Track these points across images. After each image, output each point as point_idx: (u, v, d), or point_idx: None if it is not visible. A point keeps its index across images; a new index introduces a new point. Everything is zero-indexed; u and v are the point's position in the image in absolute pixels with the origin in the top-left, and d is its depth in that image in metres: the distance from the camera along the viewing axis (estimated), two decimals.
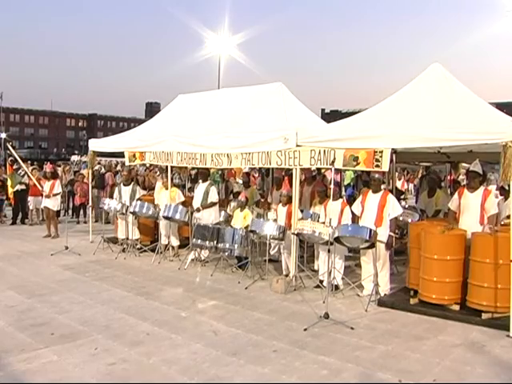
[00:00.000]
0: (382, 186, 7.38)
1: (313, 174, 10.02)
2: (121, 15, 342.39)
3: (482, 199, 6.19)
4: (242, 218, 8.24)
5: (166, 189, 9.32)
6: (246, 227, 7.91)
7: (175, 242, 9.26)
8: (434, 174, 10.23)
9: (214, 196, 8.86)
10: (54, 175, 11.80)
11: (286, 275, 7.40)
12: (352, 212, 6.95)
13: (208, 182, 9.09)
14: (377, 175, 6.75)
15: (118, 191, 10.04)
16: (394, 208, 6.60)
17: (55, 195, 11.32)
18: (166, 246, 9.19)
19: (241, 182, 14.40)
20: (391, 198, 6.72)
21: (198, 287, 7.23)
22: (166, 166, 9.35)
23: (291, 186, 7.49)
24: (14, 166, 14.07)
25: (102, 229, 10.38)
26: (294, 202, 7.18)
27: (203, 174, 9.23)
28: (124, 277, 7.76)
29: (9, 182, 12.96)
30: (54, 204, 11.33)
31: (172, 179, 10.52)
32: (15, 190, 13.13)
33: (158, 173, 12.74)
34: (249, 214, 8.33)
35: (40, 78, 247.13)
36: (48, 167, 12.74)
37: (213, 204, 8.83)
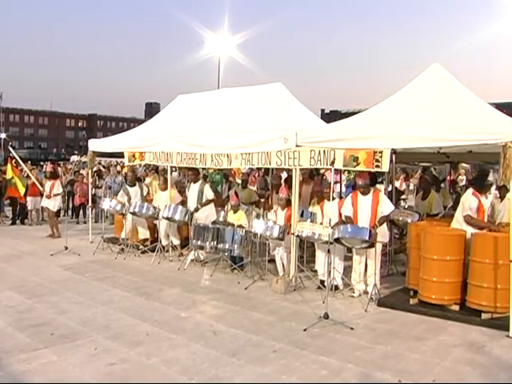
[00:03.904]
0: (378, 186, 7.34)
1: (310, 173, 9.98)
2: (121, 15, 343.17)
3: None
4: (236, 220, 8.30)
5: (162, 190, 9.41)
6: (240, 226, 8.05)
7: (176, 241, 9.29)
8: (429, 174, 9.57)
9: (209, 194, 8.93)
10: (55, 175, 11.77)
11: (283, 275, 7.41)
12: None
13: (200, 182, 9.12)
14: (360, 182, 6.69)
15: (125, 193, 9.91)
16: (386, 206, 6.61)
17: (55, 195, 11.31)
18: (166, 246, 9.18)
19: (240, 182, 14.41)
20: (383, 196, 6.74)
21: (198, 287, 7.23)
22: (161, 168, 9.33)
23: (290, 187, 7.48)
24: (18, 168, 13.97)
25: (102, 229, 10.38)
26: (294, 203, 7.18)
27: (194, 175, 9.21)
28: (124, 277, 7.76)
29: (19, 184, 12.57)
30: (53, 204, 11.32)
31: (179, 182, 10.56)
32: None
33: (156, 173, 12.70)
34: (242, 215, 8.40)
35: (40, 78, 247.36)
36: (48, 167, 12.68)
37: (209, 201, 8.92)
